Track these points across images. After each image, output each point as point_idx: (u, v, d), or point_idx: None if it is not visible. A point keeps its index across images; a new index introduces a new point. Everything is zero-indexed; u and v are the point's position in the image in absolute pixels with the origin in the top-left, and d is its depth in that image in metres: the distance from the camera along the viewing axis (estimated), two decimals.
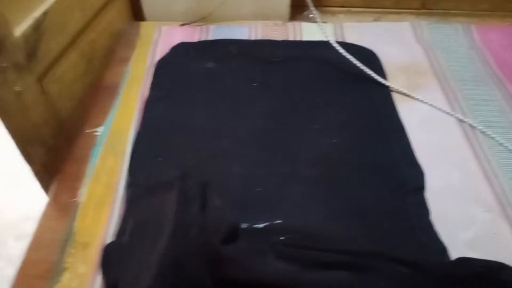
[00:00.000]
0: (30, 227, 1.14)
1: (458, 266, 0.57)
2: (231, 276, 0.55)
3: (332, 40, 0.85)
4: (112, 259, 0.59)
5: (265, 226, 0.64)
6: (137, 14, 1.08)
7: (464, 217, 0.67)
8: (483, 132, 0.79)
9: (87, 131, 0.81)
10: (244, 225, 0.64)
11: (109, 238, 0.65)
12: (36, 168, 0.82)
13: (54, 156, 0.84)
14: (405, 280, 0.54)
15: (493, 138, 0.78)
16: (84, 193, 0.71)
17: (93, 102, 0.86)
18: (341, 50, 0.85)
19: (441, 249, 0.61)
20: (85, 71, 0.92)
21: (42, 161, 0.82)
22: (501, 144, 0.77)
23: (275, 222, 0.65)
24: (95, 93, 0.87)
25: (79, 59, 0.89)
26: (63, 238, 0.65)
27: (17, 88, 0.72)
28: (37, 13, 0.75)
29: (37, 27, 0.74)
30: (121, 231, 0.64)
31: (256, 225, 0.64)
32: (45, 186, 0.86)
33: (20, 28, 0.71)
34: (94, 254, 0.63)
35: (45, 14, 0.76)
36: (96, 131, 0.80)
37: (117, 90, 0.87)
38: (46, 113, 0.81)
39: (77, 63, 0.89)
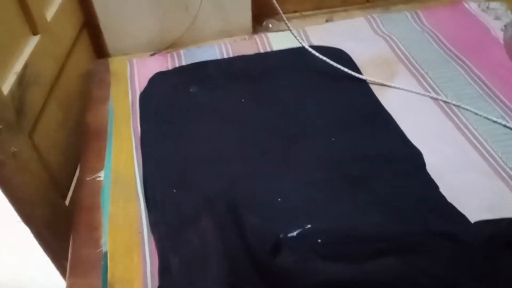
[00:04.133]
0: None
1: (482, 229, 0.64)
2: (287, 286, 0.58)
3: (307, 46, 0.90)
4: None
5: (298, 234, 0.67)
6: (99, 52, 1.06)
7: (466, 185, 0.73)
8: (457, 106, 0.87)
9: (88, 178, 0.78)
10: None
11: (149, 280, 0.64)
12: (37, 228, 0.79)
13: (53, 212, 0.82)
14: (447, 254, 0.59)
15: (467, 109, 0.86)
16: (107, 242, 0.69)
17: (84, 148, 0.83)
18: (317, 54, 0.89)
19: (461, 217, 0.67)
20: (64, 118, 0.89)
21: (43, 220, 0.79)
22: (475, 114, 0.85)
23: (306, 227, 0.67)
24: (84, 139, 0.85)
25: (58, 107, 0.86)
26: None
27: (14, 149, 0.69)
28: (17, 67, 0.72)
29: (20, 82, 0.72)
30: (162, 271, 0.63)
31: (290, 234, 0.66)
32: (47, 245, 0.83)
33: (6, 86, 0.68)
34: None
35: (25, 67, 0.73)
36: (99, 176, 0.78)
37: (106, 131, 0.85)
38: (39, 169, 0.78)
39: (56, 112, 0.86)
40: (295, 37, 0.88)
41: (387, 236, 0.63)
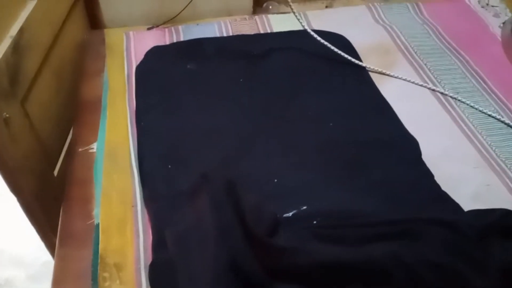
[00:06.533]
0: None
1: (476, 218, 0.64)
2: (283, 265, 0.57)
3: (309, 29, 0.89)
4: (162, 276, 0.58)
5: (293, 215, 0.66)
6: (94, 21, 1.03)
7: (459, 175, 0.74)
8: (454, 98, 0.88)
9: (80, 149, 0.76)
10: None
11: (142, 254, 0.63)
12: (24, 198, 0.77)
13: (41, 183, 0.80)
14: (441, 240, 0.59)
15: (463, 102, 0.87)
16: (98, 214, 0.68)
17: (77, 120, 0.81)
18: (319, 38, 0.88)
19: (455, 206, 0.68)
20: (58, 88, 0.87)
21: (31, 190, 0.77)
22: (472, 107, 0.86)
23: (301, 208, 0.67)
24: (77, 110, 0.83)
25: (51, 77, 0.84)
26: (90, 264, 0.62)
27: (6, 115, 0.66)
28: (13, 31, 0.69)
29: (16, 47, 0.69)
30: (156, 245, 0.62)
31: (286, 215, 0.66)
32: (34, 217, 0.81)
33: (1, 50, 0.66)
34: (131, 274, 0.61)
35: (21, 31, 0.70)
36: (92, 148, 0.76)
37: (100, 103, 0.83)
38: (31, 138, 0.76)
39: (50, 81, 0.84)
40: (298, 19, 0.87)
41: (383, 221, 0.63)
